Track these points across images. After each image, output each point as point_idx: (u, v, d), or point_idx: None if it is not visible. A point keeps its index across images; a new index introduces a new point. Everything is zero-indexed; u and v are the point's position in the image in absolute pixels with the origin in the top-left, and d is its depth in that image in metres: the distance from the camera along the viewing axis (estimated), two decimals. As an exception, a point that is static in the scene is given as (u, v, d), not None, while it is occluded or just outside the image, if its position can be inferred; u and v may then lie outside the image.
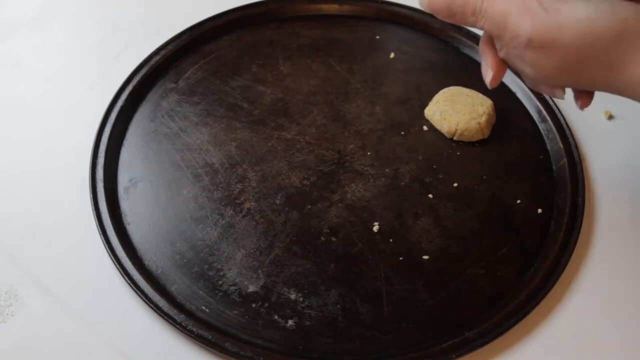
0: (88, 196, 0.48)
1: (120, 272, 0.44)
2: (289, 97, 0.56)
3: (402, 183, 0.51)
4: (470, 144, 0.54)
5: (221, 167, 0.51)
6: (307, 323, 0.43)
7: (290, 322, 0.43)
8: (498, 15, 0.37)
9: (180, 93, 0.56)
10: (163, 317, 0.42)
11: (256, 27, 0.62)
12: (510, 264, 0.47)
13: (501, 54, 0.40)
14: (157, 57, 0.57)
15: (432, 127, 0.55)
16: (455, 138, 0.54)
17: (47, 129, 0.54)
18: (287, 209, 0.49)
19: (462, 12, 0.39)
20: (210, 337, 0.42)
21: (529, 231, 0.49)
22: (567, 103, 0.52)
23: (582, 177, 0.51)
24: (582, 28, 0.35)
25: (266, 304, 0.44)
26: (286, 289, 0.45)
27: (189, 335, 0.42)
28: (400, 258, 0.47)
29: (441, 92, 0.55)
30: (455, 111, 0.53)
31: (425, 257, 0.47)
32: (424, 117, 0.55)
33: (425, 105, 0.56)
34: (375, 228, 0.48)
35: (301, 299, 0.44)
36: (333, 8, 0.63)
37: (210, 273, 0.45)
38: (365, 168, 0.52)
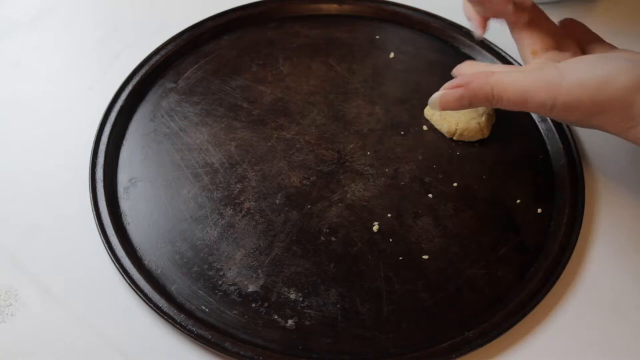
0: (88, 196, 0.48)
1: (120, 272, 0.44)
2: (289, 97, 0.56)
3: (402, 183, 0.51)
4: (470, 144, 0.54)
5: (221, 167, 0.51)
6: (307, 323, 0.43)
7: (290, 322, 0.43)
8: (515, 96, 0.39)
9: (180, 93, 0.56)
10: (163, 317, 0.42)
11: (256, 27, 0.62)
12: (510, 264, 0.47)
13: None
14: (157, 57, 0.57)
15: (432, 127, 0.55)
16: (455, 138, 0.54)
17: (47, 129, 0.54)
18: (287, 209, 0.49)
19: (474, 103, 0.40)
20: (210, 337, 0.42)
21: (529, 231, 0.49)
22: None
23: (582, 177, 0.51)
24: (603, 84, 0.36)
25: (266, 304, 0.44)
26: (286, 289, 0.45)
27: (189, 335, 0.42)
28: (400, 258, 0.47)
29: (441, 92, 0.55)
30: (455, 111, 0.53)
31: (425, 257, 0.47)
32: (424, 117, 0.55)
33: (425, 105, 0.56)
34: (375, 228, 0.48)
35: (301, 299, 0.44)
36: (333, 8, 0.63)
37: (210, 273, 0.45)
38: (365, 168, 0.52)
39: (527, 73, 0.40)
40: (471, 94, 0.40)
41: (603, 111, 0.37)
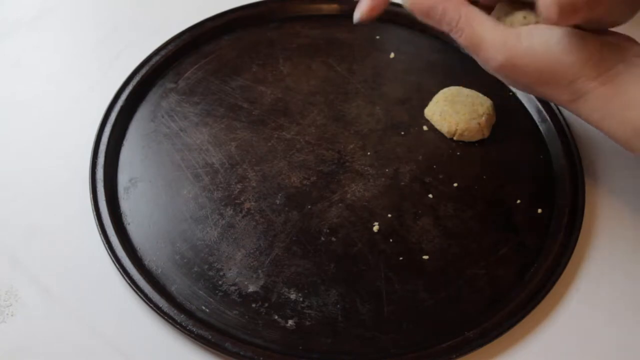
0: (88, 196, 0.48)
1: (120, 272, 0.44)
2: (289, 97, 0.56)
3: (402, 183, 0.51)
4: (470, 144, 0.54)
5: (221, 167, 0.51)
6: (307, 323, 0.43)
7: (290, 322, 0.43)
8: (473, 38, 0.40)
9: (180, 93, 0.56)
10: (163, 317, 0.42)
11: (256, 27, 0.62)
12: (510, 264, 0.47)
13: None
14: (157, 57, 0.57)
15: (432, 127, 0.55)
16: (455, 138, 0.54)
17: (47, 128, 0.54)
18: (287, 209, 0.49)
19: (438, 20, 0.41)
20: (210, 337, 0.42)
21: (529, 231, 0.49)
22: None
23: (582, 177, 0.51)
24: (553, 56, 0.38)
25: (266, 304, 0.44)
26: (286, 289, 0.45)
27: (189, 335, 0.42)
28: (400, 258, 0.47)
29: (441, 92, 0.55)
30: (455, 111, 0.53)
31: (425, 257, 0.47)
32: (424, 117, 0.55)
33: (425, 105, 0.56)
34: (375, 228, 0.48)
35: (301, 299, 0.44)
36: (333, 8, 0.63)
37: (210, 273, 0.45)
38: (365, 168, 0.52)
39: (495, 24, 0.40)
40: (440, 10, 0.40)
41: (548, 82, 0.39)
